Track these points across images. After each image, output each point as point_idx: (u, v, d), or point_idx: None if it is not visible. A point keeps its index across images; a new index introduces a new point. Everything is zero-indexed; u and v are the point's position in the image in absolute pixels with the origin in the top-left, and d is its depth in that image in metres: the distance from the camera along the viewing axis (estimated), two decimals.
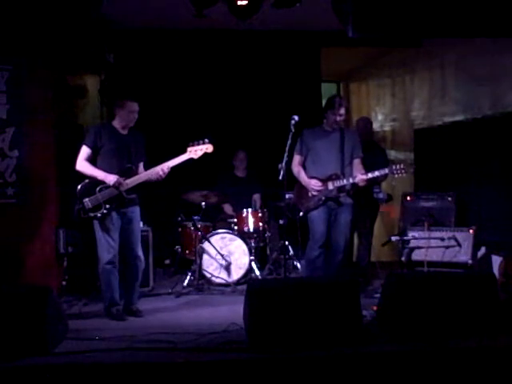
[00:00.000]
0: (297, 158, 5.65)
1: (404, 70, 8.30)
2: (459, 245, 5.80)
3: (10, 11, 5.69)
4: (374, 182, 5.90)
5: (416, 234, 5.97)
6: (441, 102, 7.44)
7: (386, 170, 5.39)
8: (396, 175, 5.40)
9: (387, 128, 8.81)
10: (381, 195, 6.37)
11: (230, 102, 7.74)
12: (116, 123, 5.26)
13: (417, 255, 5.91)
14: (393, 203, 7.13)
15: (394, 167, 5.36)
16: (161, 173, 5.14)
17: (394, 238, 5.88)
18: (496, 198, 6.23)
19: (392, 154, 8.44)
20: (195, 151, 5.21)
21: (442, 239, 5.83)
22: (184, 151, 5.21)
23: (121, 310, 5.21)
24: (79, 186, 5.14)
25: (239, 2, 5.43)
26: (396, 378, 3.92)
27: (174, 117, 7.57)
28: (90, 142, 5.18)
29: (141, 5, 6.34)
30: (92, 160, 5.19)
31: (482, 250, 5.95)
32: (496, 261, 5.52)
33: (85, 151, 5.18)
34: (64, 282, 5.88)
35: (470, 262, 5.77)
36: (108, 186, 5.10)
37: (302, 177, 5.58)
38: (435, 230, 5.97)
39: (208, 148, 5.23)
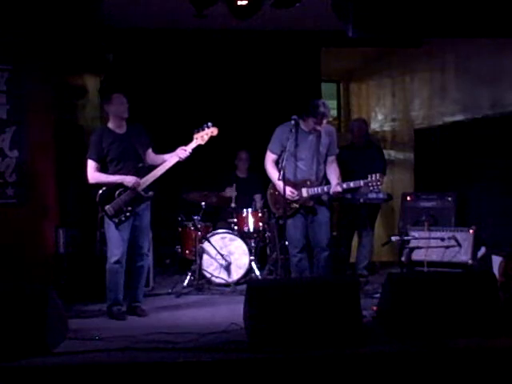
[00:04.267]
0: (271, 157, 5.58)
1: (404, 70, 8.29)
2: (459, 245, 5.80)
3: (11, 11, 5.70)
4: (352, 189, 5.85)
5: (416, 234, 5.96)
6: (441, 102, 7.44)
7: (361, 183, 5.39)
8: (371, 187, 5.40)
9: (387, 128, 8.81)
10: (381, 195, 6.36)
11: (231, 102, 7.74)
12: (111, 124, 5.21)
13: (417, 255, 5.90)
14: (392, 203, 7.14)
15: (369, 179, 5.32)
16: (182, 156, 5.17)
17: (394, 238, 5.87)
18: (496, 198, 6.23)
19: (392, 154, 8.45)
20: (201, 137, 5.25)
21: (442, 239, 5.83)
22: (190, 140, 5.24)
23: (122, 309, 5.21)
24: (98, 194, 5.10)
25: (239, 2, 5.43)
26: (396, 378, 3.92)
27: (174, 117, 7.56)
28: (93, 154, 5.12)
29: (140, 5, 6.34)
30: (102, 168, 5.14)
31: (482, 249, 5.94)
32: (496, 261, 5.51)
33: (91, 165, 5.12)
34: (64, 282, 5.88)
35: (470, 262, 5.76)
36: (126, 189, 5.08)
37: (278, 182, 5.43)
38: (435, 229, 5.97)
39: (213, 131, 5.29)
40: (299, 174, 5.52)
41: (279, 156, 5.48)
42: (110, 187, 5.10)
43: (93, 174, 5.11)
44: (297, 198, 5.46)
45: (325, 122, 5.46)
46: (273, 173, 5.54)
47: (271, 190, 5.71)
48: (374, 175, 5.34)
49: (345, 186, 5.42)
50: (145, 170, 5.20)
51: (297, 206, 5.50)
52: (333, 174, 5.58)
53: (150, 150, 5.34)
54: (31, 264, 5.80)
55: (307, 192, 5.46)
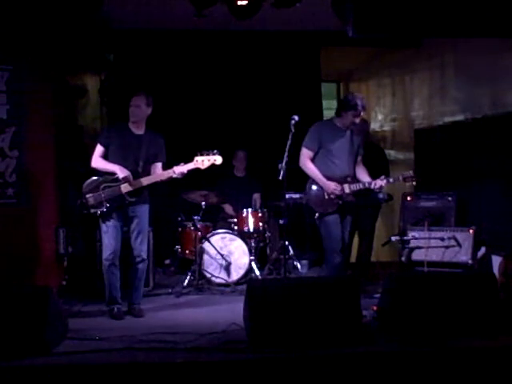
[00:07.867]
0: (307, 153, 5.45)
1: (404, 70, 8.29)
2: (459, 245, 5.80)
3: (11, 11, 5.70)
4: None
5: (416, 234, 5.96)
6: (441, 102, 7.43)
7: (400, 178, 5.43)
8: (407, 183, 5.49)
9: (387, 128, 8.81)
10: (381, 195, 6.37)
11: (230, 102, 7.74)
12: (130, 123, 5.29)
13: (417, 255, 5.90)
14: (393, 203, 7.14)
15: (407, 174, 5.41)
16: (177, 172, 5.14)
17: (394, 238, 5.88)
18: (496, 198, 6.22)
19: (392, 153, 8.44)
20: (202, 161, 5.18)
21: (442, 239, 5.83)
22: (191, 159, 5.18)
23: (121, 309, 5.23)
24: (85, 182, 5.19)
25: (239, 2, 5.43)
26: (396, 378, 3.92)
27: (174, 117, 7.56)
28: (102, 139, 5.29)
29: (141, 5, 6.34)
30: (105, 157, 5.26)
31: (482, 249, 5.94)
32: (496, 261, 5.51)
33: (98, 149, 5.27)
34: (64, 282, 5.88)
35: (470, 262, 5.76)
36: (111, 186, 5.13)
37: (320, 177, 5.38)
38: (435, 229, 5.96)
39: (216, 160, 5.20)
40: (338, 171, 5.44)
41: (316, 153, 5.44)
42: (98, 180, 5.16)
43: (96, 157, 5.25)
44: (340, 193, 5.42)
45: (363, 114, 5.47)
46: (311, 169, 5.43)
47: (312, 186, 5.53)
48: (409, 172, 5.43)
49: (385, 181, 5.41)
50: (137, 174, 5.17)
51: (340, 202, 5.44)
52: (363, 172, 5.56)
53: (159, 164, 5.31)
54: (31, 264, 5.80)
55: (349, 188, 5.41)
